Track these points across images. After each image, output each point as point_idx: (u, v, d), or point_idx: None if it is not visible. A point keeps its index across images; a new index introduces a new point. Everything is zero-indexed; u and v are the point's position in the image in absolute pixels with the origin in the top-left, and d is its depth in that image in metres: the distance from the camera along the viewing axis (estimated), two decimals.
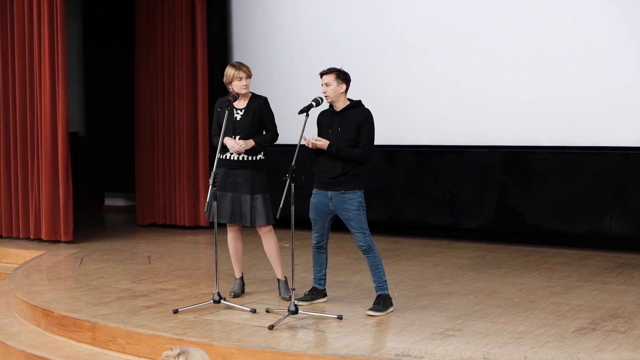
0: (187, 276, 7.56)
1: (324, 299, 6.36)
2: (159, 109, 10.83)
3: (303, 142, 5.91)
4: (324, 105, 6.16)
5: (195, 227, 10.63)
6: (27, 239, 9.72)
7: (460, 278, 7.32)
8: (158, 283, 7.23)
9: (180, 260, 8.51)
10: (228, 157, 6.35)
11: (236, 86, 6.32)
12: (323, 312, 6.02)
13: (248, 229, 6.67)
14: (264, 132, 6.44)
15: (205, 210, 6.37)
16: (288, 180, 5.72)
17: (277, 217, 5.84)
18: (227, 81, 6.36)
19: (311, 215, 6.16)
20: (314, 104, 6.06)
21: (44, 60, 9.36)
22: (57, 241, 9.45)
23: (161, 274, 7.66)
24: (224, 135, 6.22)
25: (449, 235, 9.60)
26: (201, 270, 7.96)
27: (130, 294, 6.74)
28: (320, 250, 6.24)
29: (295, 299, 5.79)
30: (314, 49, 10.17)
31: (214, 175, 6.01)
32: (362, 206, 6.00)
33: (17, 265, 8.40)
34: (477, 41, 9.23)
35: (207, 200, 6.11)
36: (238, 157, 6.33)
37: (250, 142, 6.30)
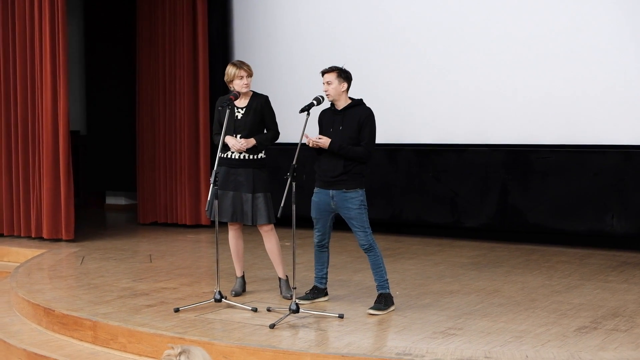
0: (188, 275, 7.57)
1: (325, 298, 6.36)
2: (160, 107, 10.83)
3: (304, 140, 5.91)
4: (325, 104, 6.15)
5: (196, 226, 10.63)
6: (29, 237, 9.73)
7: (461, 277, 7.32)
8: (159, 282, 7.23)
9: (181, 259, 8.51)
10: (229, 156, 6.35)
11: (237, 85, 6.32)
12: (324, 311, 6.01)
13: (249, 227, 6.67)
14: (265, 131, 6.44)
15: (206, 209, 6.37)
16: (289, 179, 5.72)
17: (278, 215, 5.83)
18: (228, 80, 6.36)
19: (313, 214, 6.16)
20: (314, 102, 6.06)
21: (45, 58, 9.36)
22: (59, 240, 9.45)
23: (162, 273, 7.66)
24: (225, 134, 6.22)
25: (450, 234, 9.60)
26: (202, 269, 7.96)
27: (132, 293, 6.74)
28: (322, 249, 6.23)
29: (296, 298, 5.79)
30: (315, 47, 10.17)
31: (215, 174, 6.01)
32: (364, 205, 6.00)
33: (18, 264, 8.41)
34: (477, 40, 9.22)
35: (209, 199, 6.11)
36: (239, 156, 6.33)
37: (252, 141, 6.29)
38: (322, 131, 6.08)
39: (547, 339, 5.23)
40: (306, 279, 6.87)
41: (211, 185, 6.01)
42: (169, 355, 2.99)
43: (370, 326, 5.67)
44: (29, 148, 9.67)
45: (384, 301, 5.99)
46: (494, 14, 9.16)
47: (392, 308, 6.01)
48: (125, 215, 12.28)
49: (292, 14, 10.53)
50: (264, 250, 6.58)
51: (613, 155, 8.51)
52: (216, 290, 6.12)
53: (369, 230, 6.00)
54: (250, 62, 6.65)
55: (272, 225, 6.41)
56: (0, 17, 9.73)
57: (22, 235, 9.78)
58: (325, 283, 6.35)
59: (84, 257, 8.54)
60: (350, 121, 5.99)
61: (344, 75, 6.01)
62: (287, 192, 5.70)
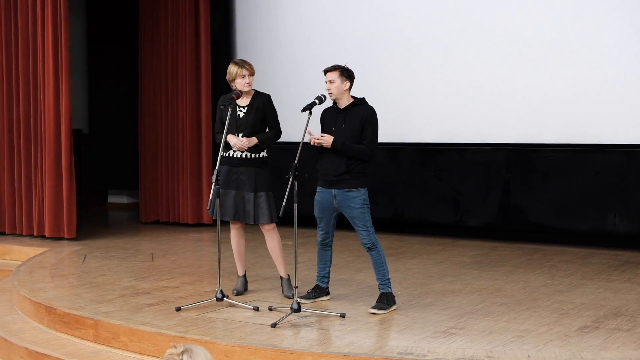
0: (190, 274, 7.57)
1: (327, 297, 6.35)
2: (162, 106, 10.83)
3: (306, 139, 5.90)
4: (328, 103, 6.15)
5: (198, 225, 10.63)
6: (31, 235, 9.74)
7: (463, 276, 7.32)
8: (161, 280, 7.23)
9: (183, 257, 8.51)
10: (231, 155, 6.35)
11: (239, 84, 6.32)
12: (326, 310, 6.01)
13: (251, 226, 6.67)
14: (267, 130, 6.44)
15: (208, 207, 6.36)
16: (291, 178, 5.71)
17: (280, 214, 5.83)
18: (230, 79, 6.36)
19: (316, 213, 6.15)
20: (316, 101, 6.05)
21: (48, 57, 9.36)
22: (61, 238, 9.45)
23: (164, 272, 7.66)
24: (227, 133, 6.22)
25: (452, 233, 9.59)
26: (204, 268, 7.96)
27: (133, 292, 6.74)
28: (326, 247, 6.23)
29: (298, 297, 5.79)
30: (318, 46, 10.16)
31: (217, 172, 6.01)
32: (366, 204, 5.99)
33: (20, 262, 8.41)
34: (479, 39, 9.22)
35: (210, 197, 6.10)
36: (241, 155, 6.33)
37: (253, 140, 6.29)
38: (324, 130, 6.08)
39: (549, 338, 5.23)
40: (308, 278, 6.87)
41: (213, 184, 6.01)
42: (171, 354, 2.98)
43: (372, 325, 5.66)
44: (31, 146, 9.67)
45: (385, 300, 5.98)
46: (496, 14, 9.15)
47: (393, 307, 6.01)
48: (127, 214, 12.29)
49: (295, 13, 10.52)
50: (266, 249, 6.58)
51: (615, 155, 8.50)
52: (218, 289, 6.12)
53: (372, 229, 6.00)
54: (253, 60, 6.64)
55: (274, 224, 6.40)
56: (4, 17, 9.74)
57: (24, 233, 9.78)
58: (327, 282, 6.34)
59: (85, 256, 8.54)
60: (352, 120, 5.98)
61: (347, 74, 6.01)
62: (289, 191, 5.68)
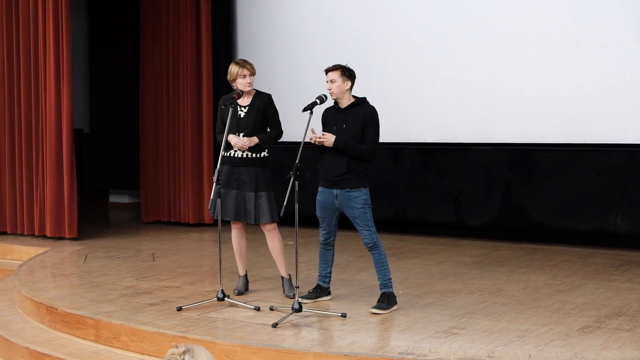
0: (191, 274, 7.56)
1: (328, 297, 6.35)
2: (163, 106, 10.83)
3: (307, 139, 5.90)
4: (329, 102, 6.15)
5: (199, 225, 10.63)
6: (32, 235, 9.74)
7: (464, 276, 7.31)
8: (162, 280, 7.23)
9: (184, 257, 8.51)
10: (232, 155, 6.35)
11: (240, 84, 6.31)
12: (327, 310, 6.01)
13: (252, 226, 6.66)
14: (268, 130, 6.43)
15: (209, 207, 6.36)
16: (292, 178, 5.71)
17: (281, 214, 5.83)
18: (231, 79, 6.35)
19: (318, 213, 6.15)
20: (317, 101, 6.05)
21: (49, 57, 9.36)
22: (62, 238, 9.46)
23: (165, 272, 7.66)
24: (228, 133, 6.22)
25: (453, 233, 9.59)
26: (205, 268, 7.96)
27: (134, 291, 6.74)
28: (328, 247, 6.23)
29: (299, 297, 5.79)
30: (319, 46, 10.16)
31: (218, 172, 6.01)
32: (368, 204, 5.99)
33: (21, 262, 8.41)
34: (481, 39, 9.21)
35: (211, 197, 6.10)
36: (242, 155, 6.32)
37: (254, 140, 6.29)
38: (326, 129, 6.07)
39: (550, 338, 5.22)
40: (309, 277, 6.87)
41: (214, 183, 6.01)
42: (173, 354, 2.99)
43: (373, 325, 5.66)
44: (32, 146, 9.67)
45: (386, 300, 5.98)
46: (497, 13, 9.14)
47: (394, 307, 6.01)
48: (129, 214, 12.29)
49: (296, 12, 10.52)
50: (267, 249, 6.57)
51: (616, 154, 8.49)
52: (219, 289, 6.12)
53: (374, 229, 6.00)
54: (254, 60, 6.64)
55: (275, 224, 6.40)
56: (5, 16, 9.74)
57: (25, 233, 9.79)
58: (329, 282, 6.34)
59: (86, 256, 8.54)
60: (353, 120, 5.98)
61: (348, 74, 6.00)
62: (290, 190, 5.69)
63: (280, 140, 6.54)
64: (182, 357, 2.97)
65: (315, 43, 10.24)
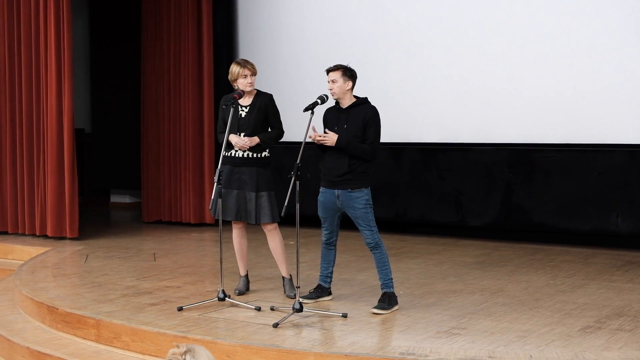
0: (192, 273, 7.56)
1: (329, 297, 6.34)
2: (164, 105, 10.83)
3: (309, 139, 5.90)
4: (330, 102, 6.14)
5: (200, 225, 10.63)
6: (33, 235, 9.74)
7: (465, 276, 7.31)
8: (163, 280, 7.23)
9: (185, 257, 8.51)
10: (233, 155, 6.34)
11: (241, 84, 6.31)
12: (328, 310, 6.01)
13: (253, 226, 6.66)
14: (270, 130, 6.43)
15: (210, 207, 6.36)
16: (293, 178, 5.71)
17: (282, 214, 5.83)
18: (232, 79, 6.35)
19: (320, 213, 6.15)
20: (319, 101, 6.04)
21: (50, 56, 9.37)
22: (63, 238, 9.46)
23: (166, 272, 7.66)
24: (229, 133, 6.22)
25: (454, 233, 9.58)
26: (206, 268, 7.96)
27: (135, 291, 6.74)
28: (330, 246, 6.22)
29: (300, 297, 5.79)
30: (320, 46, 10.16)
31: (219, 172, 6.01)
32: (369, 204, 5.99)
33: (22, 262, 8.41)
34: (482, 39, 9.20)
35: (212, 197, 6.10)
36: (243, 155, 6.32)
37: (255, 139, 6.29)
38: (327, 129, 6.06)
39: (551, 338, 5.22)
40: (310, 278, 6.87)
41: (215, 183, 6.00)
42: (174, 354, 2.99)
43: (374, 325, 5.66)
44: (33, 146, 9.68)
45: (387, 300, 5.98)
46: (498, 13, 9.14)
47: (395, 307, 6.00)
48: (130, 214, 12.29)
49: (297, 12, 10.52)
50: (268, 249, 6.57)
51: (618, 155, 8.49)
52: (220, 289, 6.12)
53: (375, 229, 5.99)
54: (255, 60, 6.64)
55: (275, 224, 6.40)
56: (6, 15, 9.74)
57: (26, 233, 9.79)
58: (330, 282, 6.34)
59: (87, 255, 8.54)
60: (355, 120, 5.98)
61: (349, 74, 6.00)
62: (291, 190, 5.68)
63: (281, 140, 6.53)
64: (183, 357, 2.97)
65: (317, 43, 10.23)
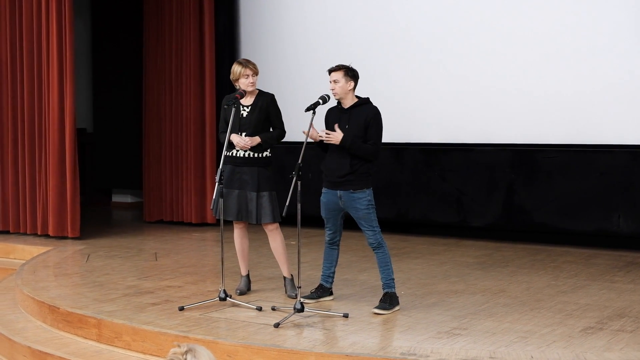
0: (193, 273, 7.56)
1: (331, 297, 6.34)
2: (166, 105, 10.84)
3: (309, 139, 5.90)
4: (332, 102, 6.14)
5: (202, 224, 10.63)
6: (34, 234, 9.75)
7: (467, 276, 7.31)
8: (164, 280, 7.23)
9: (186, 257, 8.51)
10: (234, 154, 6.34)
11: (243, 83, 6.31)
12: (329, 310, 6.01)
13: (255, 226, 6.66)
14: (271, 129, 6.43)
15: (211, 207, 6.35)
16: (294, 178, 5.71)
17: (284, 214, 5.83)
18: (234, 78, 6.35)
19: (323, 214, 6.15)
20: (320, 101, 6.04)
21: (52, 56, 9.37)
22: (64, 237, 9.46)
23: (167, 271, 7.66)
24: (231, 132, 6.22)
25: (456, 233, 9.58)
26: (207, 268, 7.96)
27: (137, 291, 6.74)
28: (333, 246, 6.22)
29: (301, 297, 5.78)
30: (322, 46, 10.16)
31: (221, 172, 6.01)
32: (372, 204, 5.98)
33: (24, 261, 8.41)
34: (484, 39, 9.21)
35: (214, 197, 6.10)
36: (244, 154, 6.32)
37: (256, 139, 6.29)
38: (328, 129, 6.06)
39: (553, 339, 5.22)
40: (311, 278, 6.86)
41: (216, 183, 6.00)
42: (175, 354, 2.99)
43: (375, 326, 5.66)
44: (35, 145, 9.68)
45: (389, 300, 5.97)
46: (500, 14, 9.14)
47: (397, 308, 6.00)
48: (131, 213, 12.30)
49: (299, 12, 10.52)
50: (269, 249, 6.57)
51: (619, 155, 8.48)
52: (221, 288, 6.12)
53: (378, 229, 5.99)
54: (257, 60, 6.64)
55: (277, 224, 6.39)
56: (8, 16, 9.74)
57: (28, 232, 9.80)
58: (332, 282, 6.33)
59: (89, 255, 8.54)
60: (356, 120, 5.97)
61: (351, 74, 6.00)
62: (293, 190, 5.68)
63: (282, 140, 6.53)
64: (184, 356, 2.97)
65: (318, 43, 10.24)
